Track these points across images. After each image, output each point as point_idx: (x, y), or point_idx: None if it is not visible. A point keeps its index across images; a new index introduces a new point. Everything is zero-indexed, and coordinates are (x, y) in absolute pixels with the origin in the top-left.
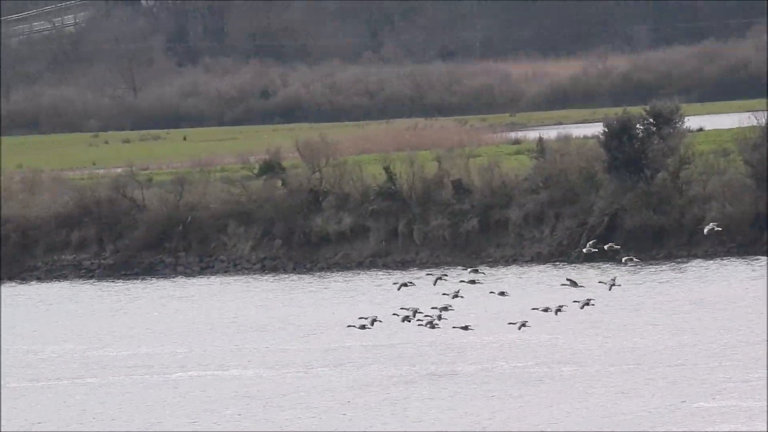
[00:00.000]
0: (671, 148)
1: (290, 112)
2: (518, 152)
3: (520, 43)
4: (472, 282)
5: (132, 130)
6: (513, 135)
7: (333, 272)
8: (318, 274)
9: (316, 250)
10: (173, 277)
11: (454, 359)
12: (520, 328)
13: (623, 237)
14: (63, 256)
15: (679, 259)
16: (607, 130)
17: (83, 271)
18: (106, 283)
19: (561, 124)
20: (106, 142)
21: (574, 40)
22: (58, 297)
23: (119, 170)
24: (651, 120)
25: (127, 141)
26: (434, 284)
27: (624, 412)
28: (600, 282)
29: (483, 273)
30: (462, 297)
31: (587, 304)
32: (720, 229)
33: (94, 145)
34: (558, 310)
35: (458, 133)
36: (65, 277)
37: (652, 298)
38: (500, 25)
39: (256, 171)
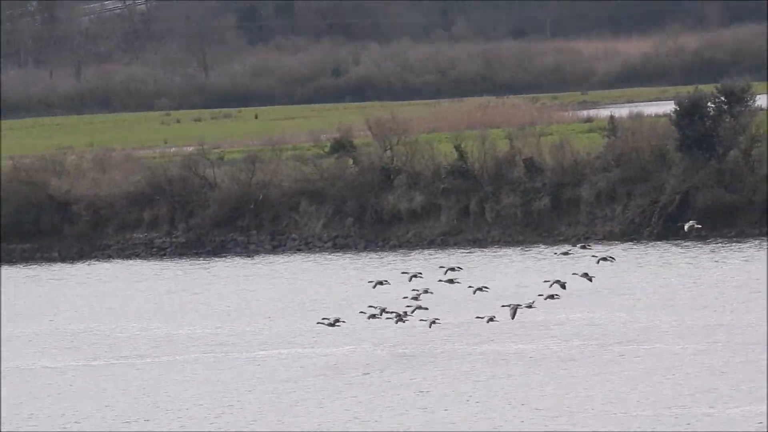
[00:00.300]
0: (742, 126)
1: (361, 91)
2: (590, 130)
3: (592, 22)
4: (450, 281)
5: (203, 108)
6: (584, 113)
7: (405, 250)
8: (390, 252)
9: (388, 228)
10: (245, 256)
11: (538, 337)
12: (488, 322)
13: (695, 215)
14: (135, 235)
15: (751, 237)
16: (678, 108)
17: (155, 249)
18: (178, 262)
19: (632, 102)
20: (178, 121)
21: (646, 19)
22: (131, 275)
23: (191, 149)
24: (722, 98)
25: (198, 119)
26: (409, 280)
27: (713, 390)
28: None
29: (461, 268)
30: (432, 293)
31: (551, 297)
32: (700, 226)
33: (166, 124)
34: (529, 305)
35: (529, 112)
36: (137, 256)
37: (729, 275)
38: (571, 3)
39: (327, 149)
